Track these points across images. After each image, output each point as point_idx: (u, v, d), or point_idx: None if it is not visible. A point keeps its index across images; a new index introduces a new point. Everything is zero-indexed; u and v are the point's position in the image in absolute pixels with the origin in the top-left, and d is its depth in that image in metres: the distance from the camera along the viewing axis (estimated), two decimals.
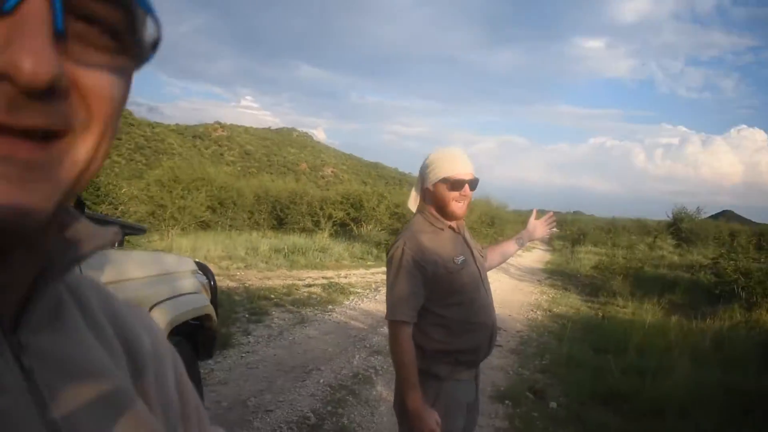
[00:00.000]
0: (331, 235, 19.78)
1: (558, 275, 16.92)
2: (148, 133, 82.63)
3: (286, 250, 14.96)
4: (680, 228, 28.74)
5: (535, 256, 24.40)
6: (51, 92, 0.36)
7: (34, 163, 0.37)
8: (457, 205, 2.37)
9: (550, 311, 10.51)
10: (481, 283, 2.41)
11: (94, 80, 0.39)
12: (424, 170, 2.42)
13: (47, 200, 0.38)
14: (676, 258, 20.55)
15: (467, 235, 2.51)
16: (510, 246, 2.90)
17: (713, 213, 48.73)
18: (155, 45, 0.43)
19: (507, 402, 5.28)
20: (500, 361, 6.64)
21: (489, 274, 2.56)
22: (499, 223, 29.73)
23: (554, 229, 2.98)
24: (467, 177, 2.35)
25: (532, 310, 10.47)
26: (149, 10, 0.42)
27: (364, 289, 10.95)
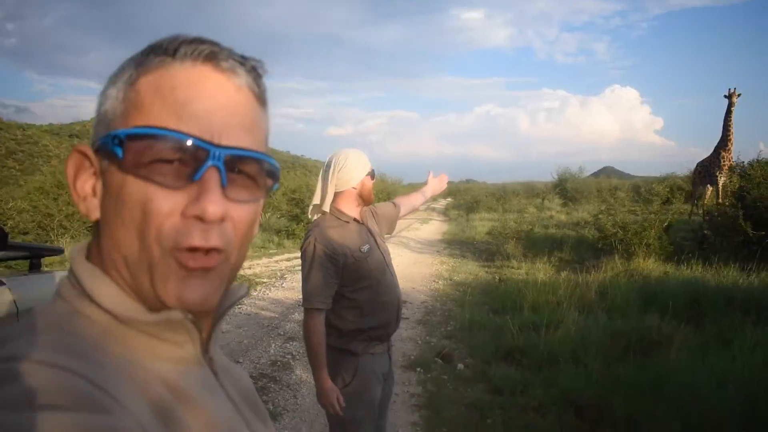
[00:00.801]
0: None
1: (456, 244, 17.56)
2: (19, 136, 76.47)
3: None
4: (565, 188, 30.40)
5: (433, 228, 25.12)
6: (220, 223, 0.62)
7: (215, 269, 0.64)
8: (371, 197, 2.77)
9: (450, 280, 11.00)
10: (386, 266, 2.73)
11: (240, 212, 0.65)
12: (344, 174, 2.67)
13: (221, 290, 0.67)
14: (563, 217, 21.77)
15: (370, 224, 2.81)
16: (417, 197, 3.35)
17: (595, 171, 51.67)
18: (276, 178, 0.70)
19: (418, 369, 5.67)
20: (409, 332, 7.04)
21: (391, 248, 2.95)
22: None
23: (443, 188, 3.46)
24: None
25: (434, 281, 10.94)
26: (272, 162, 0.68)
27: (270, 278, 11.02)
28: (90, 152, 0.66)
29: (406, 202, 3.26)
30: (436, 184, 3.40)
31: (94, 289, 0.62)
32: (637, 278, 8.65)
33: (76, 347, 0.55)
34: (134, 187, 0.60)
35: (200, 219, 0.60)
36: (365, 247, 2.65)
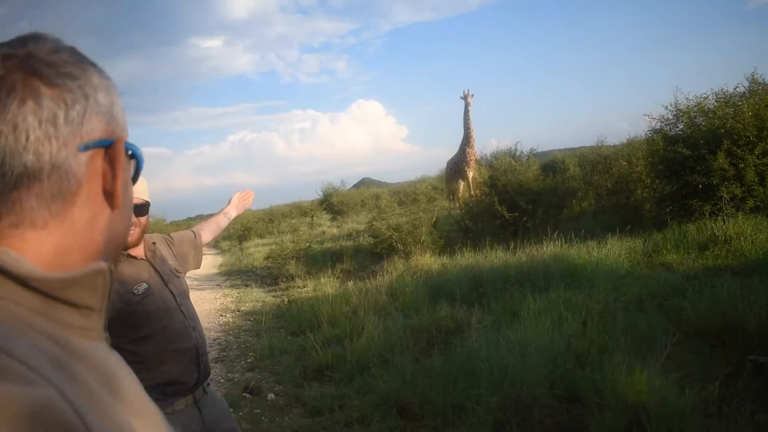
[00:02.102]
0: None
1: (235, 274, 16.96)
2: None
3: None
4: (332, 202, 31.11)
5: (206, 262, 23.83)
6: None
7: None
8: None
9: (238, 311, 10.51)
10: (176, 307, 2.36)
11: None
12: None
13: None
14: (335, 230, 22.17)
15: (159, 259, 2.45)
16: (220, 219, 3.02)
17: (354, 183, 53.72)
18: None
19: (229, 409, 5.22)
20: None
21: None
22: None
23: (250, 203, 3.18)
24: (137, 202, 2.27)
25: (222, 315, 10.37)
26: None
27: None
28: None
29: (207, 228, 2.95)
30: (241, 202, 3.11)
31: (7, 260, 0.59)
32: (420, 274, 8.99)
33: None
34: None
35: None
36: (140, 288, 2.27)
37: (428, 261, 10.04)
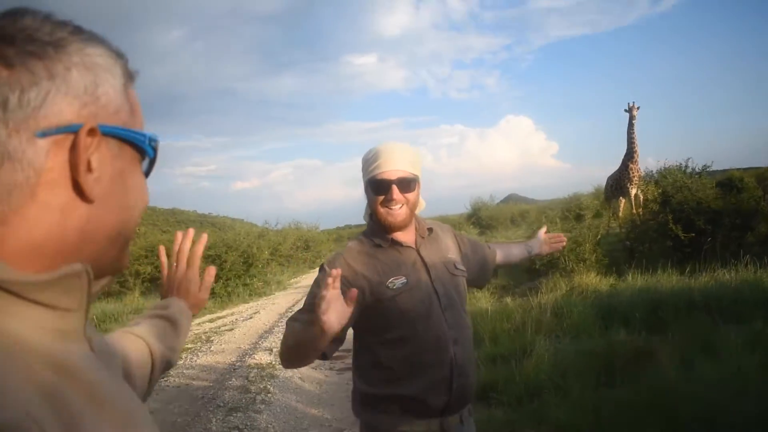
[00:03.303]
0: (142, 293, 18.23)
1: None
2: None
3: (95, 321, 13.44)
4: (480, 216, 30.73)
5: None
6: None
7: None
8: (387, 212, 1.95)
9: None
10: (439, 311, 1.96)
11: None
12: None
13: None
14: None
15: (430, 246, 2.08)
16: (520, 249, 2.58)
17: (501, 199, 52.89)
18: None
19: None
20: None
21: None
22: (314, 246, 29.59)
23: (562, 246, 2.69)
24: (393, 176, 1.93)
25: None
26: None
27: (195, 342, 10.07)
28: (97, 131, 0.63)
29: (503, 251, 2.52)
30: (545, 246, 2.60)
31: None
32: (587, 294, 8.38)
33: None
34: (139, 180, 0.71)
35: None
36: (397, 282, 1.92)
37: (594, 281, 9.36)
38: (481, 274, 2.36)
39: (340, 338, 1.82)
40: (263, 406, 5.89)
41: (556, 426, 4.33)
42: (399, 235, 2.01)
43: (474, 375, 2.06)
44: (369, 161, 1.98)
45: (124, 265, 0.73)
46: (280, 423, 5.47)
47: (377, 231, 2.00)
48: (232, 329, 10.89)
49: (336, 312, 1.56)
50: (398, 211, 1.95)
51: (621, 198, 15.68)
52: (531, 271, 11.55)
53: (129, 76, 0.70)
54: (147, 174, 0.74)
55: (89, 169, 0.62)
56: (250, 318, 12.21)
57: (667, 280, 8.42)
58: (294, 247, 26.02)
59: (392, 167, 1.93)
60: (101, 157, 0.64)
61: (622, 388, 4.67)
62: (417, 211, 2.10)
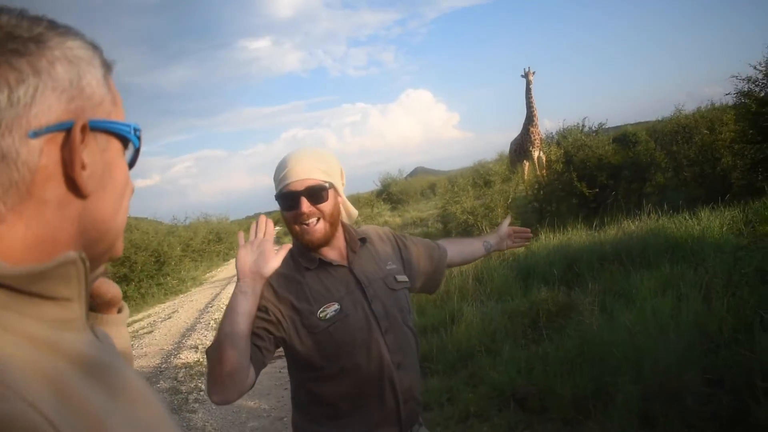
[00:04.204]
0: None
1: None
2: None
3: None
4: (390, 192, 30.97)
5: None
6: None
7: None
8: (303, 229, 1.74)
9: None
10: (379, 336, 1.74)
11: None
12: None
13: None
14: (398, 220, 21.98)
15: (364, 262, 1.85)
16: (476, 247, 2.31)
17: (409, 173, 53.50)
18: None
19: None
20: None
21: None
22: (226, 237, 28.98)
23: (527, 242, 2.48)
24: (300, 186, 1.71)
25: None
26: None
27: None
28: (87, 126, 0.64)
29: (456, 249, 2.24)
30: (506, 241, 2.36)
31: None
32: (505, 257, 8.58)
33: None
34: (124, 169, 0.72)
35: None
36: (330, 310, 1.71)
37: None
38: (430, 278, 2.13)
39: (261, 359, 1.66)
40: (197, 404, 5.75)
41: (492, 386, 4.44)
42: (327, 253, 1.79)
43: (420, 389, 1.90)
44: (277, 173, 1.78)
45: (118, 253, 0.74)
46: (217, 420, 5.35)
47: (302, 250, 1.78)
48: (152, 331, 10.55)
49: (254, 254, 1.61)
50: (314, 227, 1.74)
51: (525, 161, 16.19)
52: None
53: (107, 67, 0.70)
54: (132, 164, 0.75)
55: (83, 166, 0.62)
56: (169, 318, 11.87)
57: (578, 236, 8.75)
58: (206, 240, 25.47)
59: (300, 176, 1.71)
60: (92, 151, 0.64)
61: (550, 343, 4.84)
62: (348, 220, 1.92)
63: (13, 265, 0.56)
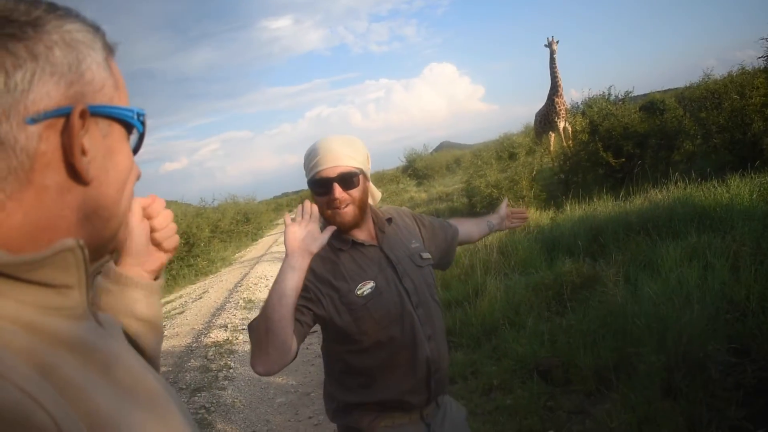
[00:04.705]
0: None
1: None
2: None
3: None
4: (416, 167, 30.90)
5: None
6: None
7: None
8: (334, 213, 1.82)
9: None
10: (411, 310, 1.85)
11: None
12: None
13: None
14: (423, 195, 21.95)
15: (392, 241, 1.95)
16: (481, 227, 2.45)
17: (434, 147, 53.21)
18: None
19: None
20: None
21: (267, 267, 1.87)
22: (254, 218, 29.23)
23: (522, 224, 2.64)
24: (332, 173, 1.79)
25: None
26: None
27: None
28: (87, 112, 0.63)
29: (464, 228, 2.35)
30: (505, 221, 2.50)
31: None
32: (530, 230, 8.54)
33: None
34: (128, 155, 0.71)
35: None
36: (366, 288, 1.80)
37: (534, 216, 9.55)
38: (444, 256, 2.24)
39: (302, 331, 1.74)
40: (226, 382, 5.84)
41: (516, 359, 4.45)
42: (358, 234, 1.89)
43: (448, 362, 2.00)
44: (308, 160, 1.85)
45: (123, 240, 0.74)
46: (246, 396, 5.45)
47: (335, 233, 1.82)
48: (183, 312, 10.72)
49: (302, 231, 1.67)
50: (345, 211, 1.82)
51: (551, 132, 15.99)
52: (472, 215, 11.70)
53: (109, 49, 0.69)
54: (137, 150, 0.74)
55: (83, 151, 0.62)
56: (200, 298, 12.04)
57: (604, 206, 8.66)
58: (234, 221, 25.67)
59: (331, 164, 1.79)
60: (92, 137, 0.64)
61: (573, 315, 4.82)
62: (373, 202, 2.00)
63: (11, 252, 0.56)
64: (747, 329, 3.73)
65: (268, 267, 13.53)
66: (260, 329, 1.63)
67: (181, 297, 13.34)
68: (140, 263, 0.98)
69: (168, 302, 12.66)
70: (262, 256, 17.67)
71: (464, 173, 14.03)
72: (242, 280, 13.05)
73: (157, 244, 0.99)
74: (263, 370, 1.67)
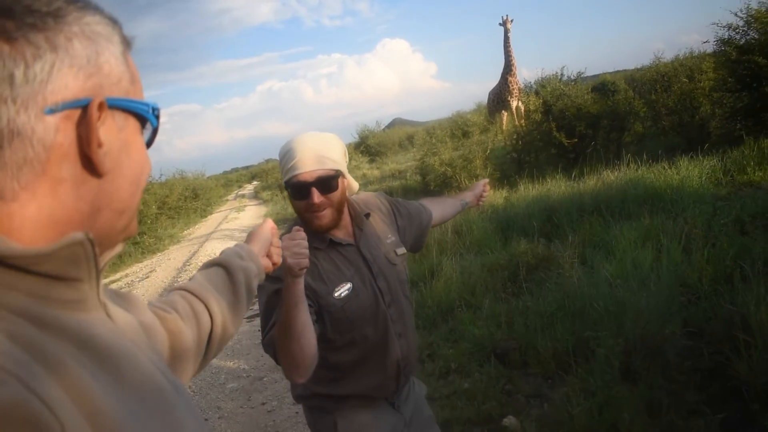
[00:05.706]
0: None
1: (283, 223, 16.78)
2: None
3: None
4: (368, 144, 30.75)
5: (252, 213, 23.79)
6: None
7: None
8: (313, 216, 1.78)
9: None
10: (384, 309, 1.86)
11: None
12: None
13: None
14: (376, 172, 21.85)
15: (369, 239, 1.93)
16: (456, 206, 2.44)
17: (386, 124, 53.01)
18: None
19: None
20: None
21: (216, 244, 1.84)
22: (203, 193, 28.68)
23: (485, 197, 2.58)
24: (310, 177, 1.73)
25: None
26: None
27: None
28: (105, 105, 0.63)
29: (438, 209, 2.32)
30: (478, 195, 2.52)
31: None
32: (484, 210, 8.53)
33: None
34: (142, 149, 0.71)
35: None
36: (343, 290, 1.80)
37: (489, 195, 9.55)
38: (417, 241, 2.23)
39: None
40: None
41: (472, 342, 4.41)
42: (335, 232, 1.85)
43: (417, 354, 2.03)
44: (284, 161, 1.78)
45: (134, 233, 0.74)
46: (196, 381, 5.29)
47: (311, 231, 1.78)
48: (129, 291, 10.44)
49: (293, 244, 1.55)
50: (323, 214, 1.78)
51: (504, 111, 16.07)
52: (425, 193, 11.67)
53: (126, 43, 0.69)
54: (150, 143, 0.74)
55: (99, 144, 0.61)
56: (147, 277, 11.74)
57: (557, 187, 8.70)
58: (182, 197, 25.15)
59: (309, 168, 1.73)
60: (109, 130, 0.63)
61: (530, 296, 4.81)
62: (350, 194, 1.95)
63: (23, 245, 0.56)
64: (701, 312, 3.77)
65: (218, 245, 13.23)
66: (293, 348, 1.57)
67: (127, 276, 12.99)
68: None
69: (113, 281, 12.32)
70: (211, 233, 17.34)
71: (418, 151, 13.98)
72: (191, 258, 12.77)
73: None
74: (304, 379, 1.66)
